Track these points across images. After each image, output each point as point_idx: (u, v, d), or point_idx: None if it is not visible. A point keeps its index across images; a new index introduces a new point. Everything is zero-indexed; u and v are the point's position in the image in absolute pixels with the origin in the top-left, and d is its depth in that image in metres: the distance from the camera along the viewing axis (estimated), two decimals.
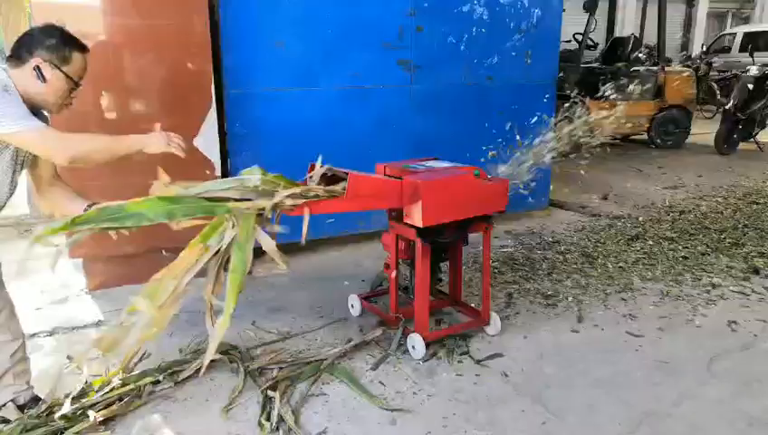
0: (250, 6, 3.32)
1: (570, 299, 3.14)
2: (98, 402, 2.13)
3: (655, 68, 7.91)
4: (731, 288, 3.29)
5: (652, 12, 7.98)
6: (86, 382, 2.23)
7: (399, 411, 2.17)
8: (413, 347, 2.53)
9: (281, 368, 2.41)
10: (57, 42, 1.91)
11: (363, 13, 3.63)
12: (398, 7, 3.72)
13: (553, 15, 4.29)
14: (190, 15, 3.11)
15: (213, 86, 3.19)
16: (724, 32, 16.60)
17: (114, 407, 2.13)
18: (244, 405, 2.21)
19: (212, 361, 2.43)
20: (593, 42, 7.87)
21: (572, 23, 7.36)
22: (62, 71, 1.91)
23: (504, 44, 4.11)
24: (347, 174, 2.22)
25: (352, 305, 2.95)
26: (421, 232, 2.42)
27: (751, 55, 8.63)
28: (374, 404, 2.21)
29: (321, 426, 2.10)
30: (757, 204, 4.98)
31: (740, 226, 4.36)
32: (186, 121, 3.18)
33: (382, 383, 2.36)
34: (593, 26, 7.51)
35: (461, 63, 3.99)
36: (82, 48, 1.97)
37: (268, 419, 2.10)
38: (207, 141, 3.23)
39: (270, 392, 2.23)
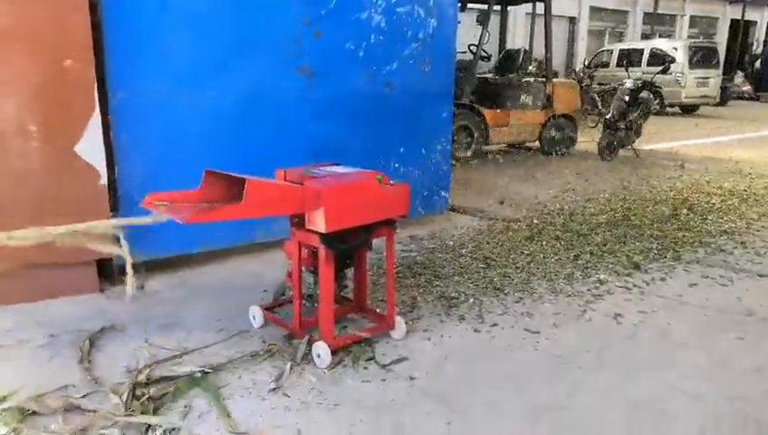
0: (137, 6, 3.14)
1: (471, 300, 3.22)
2: None
3: (543, 79, 8.41)
4: (616, 283, 3.52)
5: (540, 27, 8.49)
6: None
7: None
8: (318, 356, 2.48)
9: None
10: None
11: (260, 16, 3.54)
12: (295, 12, 3.66)
13: (449, 26, 4.41)
14: (69, 13, 2.88)
15: (95, 88, 2.98)
16: (603, 48, 18.02)
17: None
18: None
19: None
20: (487, 53, 8.22)
21: (468, 35, 7.67)
22: None
23: (402, 52, 4.17)
24: (244, 180, 2.14)
25: (254, 317, 2.84)
26: (324, 238, 2.38)
27: (626, 70, 9.38)
28: (226, 425, 2.07)
29: None
30: (635, 205, 5.39)
31: (621, 225, 4.70)
32: (67, 126, 2.94)
33: (286, 395, 2.28)
34: (486, 39, 7.86)
35: (360, 70, 4.00)
36: None
37: None
38: (91, 148, 3.01)
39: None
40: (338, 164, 2.73)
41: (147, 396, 2.18)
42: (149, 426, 2.04)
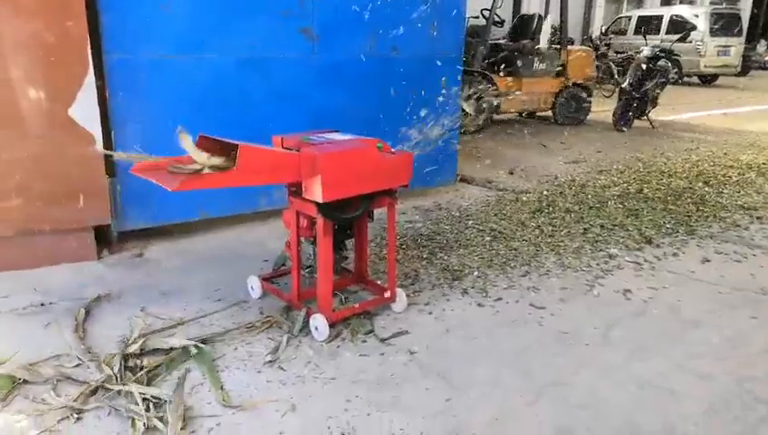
0: None
1: (476, 274, 3.14)
2: None
3: (558, 47, 8.15)
4: (626, 258, 3.42)
5: None
6: None
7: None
8: (316, 328, 2.42)
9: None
10: None
11: None
12: None
13: None
14: None
15: (89, 49, 2.87)
16: (621, 15, 17.51)
17: None
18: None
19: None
20: (500, 18, 7.97)
21: None
22: None
23: (409, 15, 4.01)
24: (237, 145, 2.05)
25: (252, 287, 2.78)
26: (322, 208, 2.30)
27: (644, 37, 9.09)
28: (219, 398, 2.02)
29: (214, 416, 1.95)
30: (649, 178, 5.24)
31: (634, 198, 4.57)
32: (59, 89, 2.85)
33: (282, 368, 2.23)
34: (500, 3, 7.60)
35: (365, 33, 3.85)
36: None
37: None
38: (85, 111, 2.92)
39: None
40: (337, 131, 2.62)
41: (140, 367, 2.14)
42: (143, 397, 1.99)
